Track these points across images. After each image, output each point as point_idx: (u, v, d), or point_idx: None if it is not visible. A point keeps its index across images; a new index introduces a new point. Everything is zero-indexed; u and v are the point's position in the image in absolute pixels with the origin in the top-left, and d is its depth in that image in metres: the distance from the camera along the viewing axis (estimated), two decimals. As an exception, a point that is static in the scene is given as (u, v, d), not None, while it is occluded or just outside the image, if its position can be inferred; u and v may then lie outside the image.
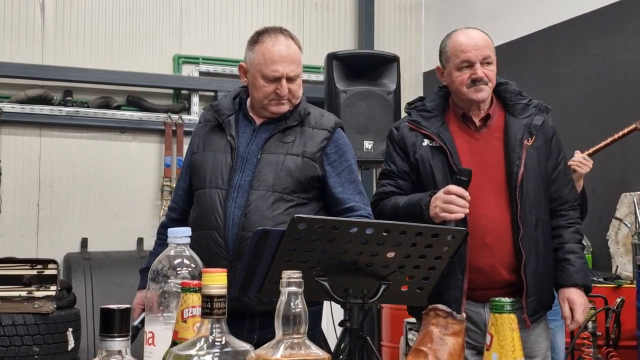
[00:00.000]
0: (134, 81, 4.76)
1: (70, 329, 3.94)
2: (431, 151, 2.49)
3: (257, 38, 2.52)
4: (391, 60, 4.33)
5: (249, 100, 2.59)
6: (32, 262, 4.08)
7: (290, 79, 2.48)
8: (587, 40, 4.37)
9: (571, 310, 2.45)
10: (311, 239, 1.88)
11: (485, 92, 2.49)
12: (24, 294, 3.75)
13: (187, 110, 4.90)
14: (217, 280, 1.13)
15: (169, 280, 1.37)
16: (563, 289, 2.48)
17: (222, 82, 4.96)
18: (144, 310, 2.59)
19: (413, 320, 3.65)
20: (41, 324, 3.76)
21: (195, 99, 4.91)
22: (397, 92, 4.31)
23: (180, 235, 1.38)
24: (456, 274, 2.42)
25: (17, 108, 4.51)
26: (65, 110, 4.60)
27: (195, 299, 1.26)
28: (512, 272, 2.44)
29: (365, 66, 4.16)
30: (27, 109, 4.53)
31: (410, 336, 3.96)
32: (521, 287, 2.41)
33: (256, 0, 5.18)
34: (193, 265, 1.37)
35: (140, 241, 4.70)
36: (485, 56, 2.50)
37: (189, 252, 1.38)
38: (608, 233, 4.07)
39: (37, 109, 4.55)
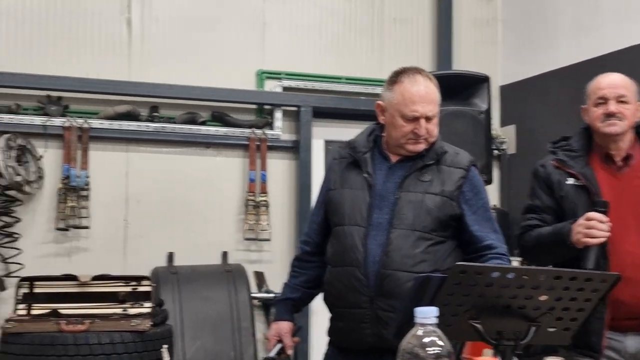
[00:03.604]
0: (218, 97, 4.79)
1: (165, 346, 3.99)
2: (575, 189, 2.66)
3: (395, 78, 2.55)
4: (482, 80, 4.34)
5: (384, 137, 2.61)
6: (126, 279, 4.13)
7: (428, 119, 2.52)
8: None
9: None
10: (470, 284, 1.94)
11: (617, 127, 2.64)
12: (119, 311, 3.79)
13: (270, 125, 4.93)
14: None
15: None
16: None
17: (305, 97, 4.98)
18: (279, 341, 2.65)
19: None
20: (138, 341, 3.79)
21: (278, 114, 4.93)
22: (489, 112, 4.32)
23: (429, 315, 1.39)
24: (598, 306, 2.48)
25: (106, 124, 4.56)
26: (152, 126, 4.64)
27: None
28: None
29: (456, 86, 4.17)
30: (115, 125, 4.58)
31: None
32: None
33: (336, 15, 5.19)
34: (442, 344, 1.39)
35: (225, 255, 4.74)
36: (621, 95, 2.66)
37: (437, 331, 1.39)
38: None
39: (125, 125, 4.59)
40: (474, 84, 4.31)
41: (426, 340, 1.41)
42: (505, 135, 5.38)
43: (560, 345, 2.31)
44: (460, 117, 4.18)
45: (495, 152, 5.21)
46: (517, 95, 5.37)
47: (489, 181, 4.18)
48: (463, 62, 5.36)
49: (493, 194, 5.09)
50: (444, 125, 4.02)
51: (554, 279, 1.97)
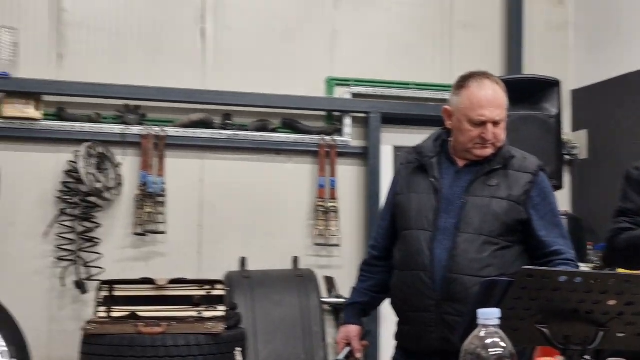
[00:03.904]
0: (288, 104, 4.88)
1: (239, 349, 4.09)
2: None
3: (462, 83, 2.57)
4: (553, 84, 4.30)
5: (450, 142, 2.63)
6: (200, 283, 4.25)
7: (495, 123, 2.52)
8: None
9: None
10: (537, 288, 1.94)
11: None
12: (194, 314, 3.90)
13: (340, 131, 4.99)
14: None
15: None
16: None
17: (374, 104, 5.02)
18: (347, 344, 2.70)
19: None
20: (212, 344, 3.89)
21: (347, 121, 4.98)
22: (559, 116, 4.28)
23: (491, 316, 1.42)
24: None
25: (181, 132, 4.70)
26: (225, 133, 4.77)
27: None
28: None
29: (525, 90, 4.14)
30: (190, 132, 4.71)
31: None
32: None
33: (406, 22, 5.21)
34: (504, 345, 1.41)
35: (295, 260, 4.82)
36: None
37: (499, 332, 1.42)
38: None
39: (199, 132, 4.73)
40: (544, 88, 4.27)
41: (488, 341, 1.43)
42: (577, 140, 5.30)
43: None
44: (530, 121, 4.15)
45: (567, 157, 5.13)
46: (589, 99, 5.29)
47: (559, 186, 4.13)
48: (534, 66, 5.31)
49: (564, 200, 5.02)
50: (514, 130, 4.01)
51: (624, 282, 1.95)
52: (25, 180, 4.46)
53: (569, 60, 5.47)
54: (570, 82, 5.36)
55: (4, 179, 4.36)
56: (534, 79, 4.38)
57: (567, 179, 5.13)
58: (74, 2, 4.59)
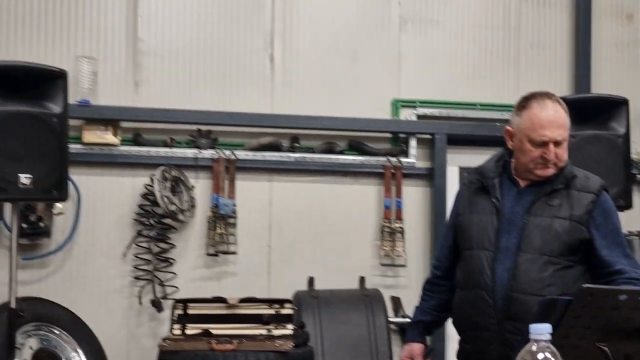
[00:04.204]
0: (355, 126, 4.97)
1: (307, 367, 4.17)
2: None
3: (524, 103, 2.61)
4: (621, 103, 4.25)
5: (512, 162, 2.67)
6: (270, 302, 4.36)
7: (557, 143, 2.55)
8: None
9: None
10: (597, 307, 1.96)
11: None
12: (264, 332, 4.01)
13: (405, 153, 5.04)
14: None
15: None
16: None
17: (439, 125, 5.07)
18: (410, 361, 2.75)
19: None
20: (281, 361, 4.00)
21: (413, 142, 5.04)
22: (627, 135, 4.23)
23: (543, 331, 1.47)
24: None
25: (250, 155, 4.84)
26: (293, 156, 4.89)
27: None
28: None
29: (593, 109, 4.12)
30: (259, 155, 4.85)
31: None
32: None
33: (471, 42, 5.25)
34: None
35: (362, 280, 4.88)
36: None
37: (550, 347, 1.46)
38: None
39: (268, 155, 4.86)
40: (612, 107, 4.22)
41: (540, 356, 1.48)
42: (646, 160, 5.22)
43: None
44: (597, 141, 4.11)
45: (638, 176, 5.05)
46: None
47: (628, 206, 4.08)
48: (602, 85, 5.27)
49: (635, 219, 4.94)
50: (581, 150, 4.02)
51: (688, 301, 1.96)
52: (104, 203, 4.67)
53: (638, 78, 5.40)
54: (639, 101, 5.28)
55: (85, 202, 4.59)
56: (602, 98, 4.34)
57: (637, 198, 5.04)
58: (149, 32, 4.80)
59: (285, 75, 4.98)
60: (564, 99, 4.02)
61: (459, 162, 5.13)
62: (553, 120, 2.55)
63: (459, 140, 5.09)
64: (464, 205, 2.70)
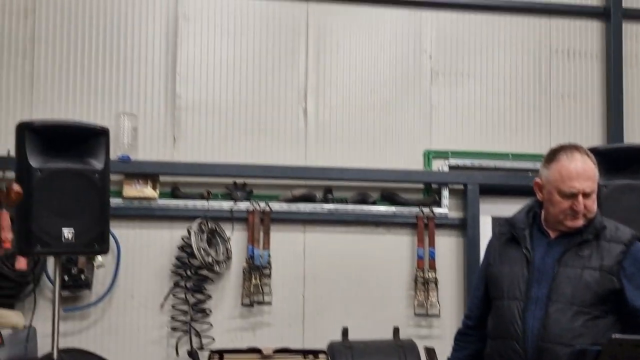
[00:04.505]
0: (387, 177, 5.05)
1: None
2: None
3: (552, 156, 2.66)
4: (653, 152, 4.26)
5: (542, 213, 2.71)
6: (304, 352, 4.41)
7: (586, 195, 2.59)
8: None
9: None
10: (627, 357, 1.98)
11: None
12: (299, 381, 4.05)
13: (438, 203, 5.09)
14: None
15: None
16: None
17: (471, 175, 5.11)
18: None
19: None
20: (315, 411, 4.02)
21: (445, 192, 5.09)
22: (660, 185, 4.23)
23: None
24: None
25: (284, 207, 4.93)
26: (326, 207, 4.96)
27: None
28: None
29: (626, 159, 4.13)
30: (293, 207, 4.94)
31: None
32: None
33: (502, 93, 5.32)
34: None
35: (396, 331, 4.88)
36: None
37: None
38: None
39: (302, 206, 4.95)
40: (641, 156, 4.25)
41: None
42: (683, 208, 5.17)
43: None
44: (630, 191, 4.10)
45: (674, 224, 5.01)
46: None
47: (662, 255, 4.06)
48: (635, 134, 5.29)
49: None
50: (614, 200, 4.03)
51: None
52: (142, 255, 4.78)
53: (672, 127, 5.41)
54: (673, 149, 5.28)
55: (124, 254, 4.70)
56: (635, 147, 4.35)
57: (673, 247, 5.00)
58: (187, 88, 4.96)
59: (318, 127, 5.09)
60: (596, 149, 4.08)
61: (491, 211, 5.15)
62: (582, 172, 2.59)
63: (491, 190, 5.13)
64: (494, 256, 2.74)
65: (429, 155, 5.16)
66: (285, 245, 4.93)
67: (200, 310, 4.73)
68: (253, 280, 4.78)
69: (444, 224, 5.07)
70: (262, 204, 4.87)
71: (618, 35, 5.40)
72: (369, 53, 5.18)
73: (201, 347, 4.67)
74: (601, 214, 2.88)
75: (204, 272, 4.74)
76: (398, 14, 5.23)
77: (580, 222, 2.61)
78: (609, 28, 5.41)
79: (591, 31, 5.47)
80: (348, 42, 5.16)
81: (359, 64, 5.18)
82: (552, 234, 2.66)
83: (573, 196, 2.58)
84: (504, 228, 2.76)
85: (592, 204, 2.61)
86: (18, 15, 4.78)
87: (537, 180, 2.71)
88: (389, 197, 5.08)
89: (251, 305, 4.79)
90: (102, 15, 4.87)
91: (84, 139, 3.65)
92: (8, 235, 3.19)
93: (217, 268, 4.74)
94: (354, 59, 5.17)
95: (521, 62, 5.37)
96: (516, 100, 5.33)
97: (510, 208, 4.74)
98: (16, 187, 3.05)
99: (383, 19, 5.21)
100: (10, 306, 4.40)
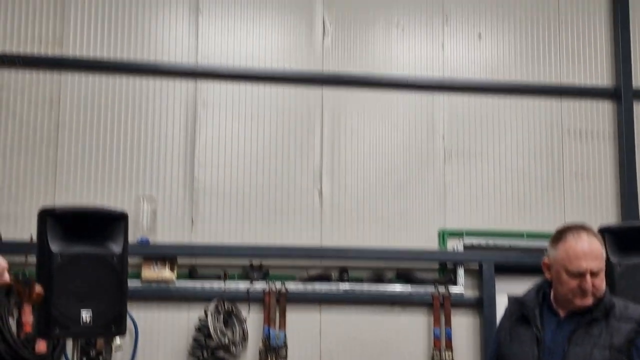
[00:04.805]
0: (402, 257, 5.10)
1: None
2: None
3: (559, 236, 2.70)
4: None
5: (552, 293, 2.74)
6: None
7: (593, 274, 2.62)
8: None
9: None
10: None
11: None
12: None
13: (454, 282, 5.10)
14: None
15: None
16: None
17: (486, 254, 5.14)
18: None
19: None
20: None
21: (460, 271, 5.12)
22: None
23: None
24: None
25: (300, 287, 4.97)
26: (342, 287, 5.00)
27: None
28: None
29: (637, 238, 4.14)
30: (309, 287, 4.98)
31: None
32: None
33: (515, 172, 5.40)
34: None
35: (414, 412, 4.85)
36: None
37: None
38: None
39: (318, 286, 4.98)
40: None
41: None
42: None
43: None
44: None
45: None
46: None
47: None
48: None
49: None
50: (627, 278, 4.03)
51: None
52: (160, 336, 4.81)
53: (686, 204, 5.42)
54: (688, 224, 5.28)
55: (142, 336, 4.73)
56: (647, 226, 4.37)
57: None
58: (205, 171, 5.09)
59: (333, 209, 5.16)
60: (610, 228, 4.14)
61: (507, 290, 5.14)
62: (588, 251, 2.62)
63: (506, 269, 5.14)
64: (505, 335, 2.75)
65: (444, 235, 5.20)
66: (302, 325, 4.95)
67: (216, 393, 4.73)
68: (269, 361, 4.78)
69: (460, 303, 5.07)
70: (278, 284, 4.91)
71: (629, 115, 5.49)
72: (382, 135, 5.31)
73: None
74: (615, 292, 2.90)
75: (221, 353, 4.75)
76: (410, 97, 5.37)
77: (589, 301, 2.62)
78: (620, 108, 5.50)
79: (602, 111, 5.56)
80: (362, 125, 5.29)
81: (373, 146, 5.30)
82: (562, 313, 2.68)
83: (581, 275, 2.61)
84: (514, 307, 2.78)
85: (601, 282, 2.63)
86: (44, 105, 4.97)
87: (545, 260, 2.74)
88: (404, 276, 5.10)
89: (268, 386, 4.78)
90: (124, 103, 5.06)
91: (104, 224, 3.74)
92: (29, 318, 3.24)
93: (233, 349, 4.75)
94: (368, 142, 5.29)
95: (534, 142, 5.45)
96: (529, 179, 5.40)
97: (526, 287, 4.75)
98: (38, 289, 3.13)
99: (396, 102, 5.36)
100: (30, 389, 4.42)
